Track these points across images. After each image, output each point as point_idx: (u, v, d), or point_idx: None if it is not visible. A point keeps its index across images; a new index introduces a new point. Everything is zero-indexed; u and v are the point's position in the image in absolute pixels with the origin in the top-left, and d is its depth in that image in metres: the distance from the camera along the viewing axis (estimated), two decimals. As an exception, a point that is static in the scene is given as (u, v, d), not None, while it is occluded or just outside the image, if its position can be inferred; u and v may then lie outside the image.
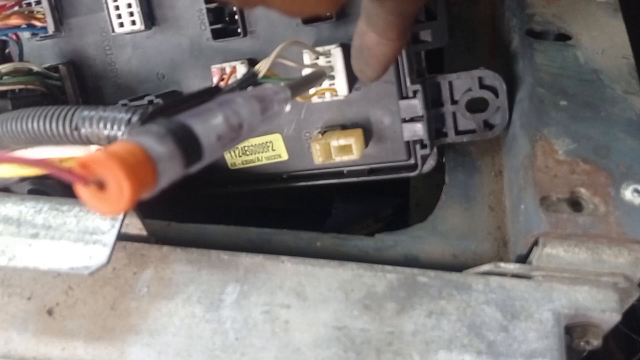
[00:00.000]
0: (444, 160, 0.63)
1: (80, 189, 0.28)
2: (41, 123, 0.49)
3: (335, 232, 0.97)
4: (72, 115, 0.48)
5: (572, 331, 0.51)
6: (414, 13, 0.43)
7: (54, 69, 0.62)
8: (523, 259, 0.52)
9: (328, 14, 0.54)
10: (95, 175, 0.28)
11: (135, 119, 0.49)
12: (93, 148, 0.51)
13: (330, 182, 0.62)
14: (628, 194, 0.49)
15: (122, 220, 0.48)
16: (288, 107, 0.44)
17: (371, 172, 0.61)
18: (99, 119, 0.48)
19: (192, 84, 0.60)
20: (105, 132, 0.48)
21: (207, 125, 0.35)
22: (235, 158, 0.63)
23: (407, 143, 0.58)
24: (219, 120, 0.36)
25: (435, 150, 0.60)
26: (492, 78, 0.57)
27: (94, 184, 0.28)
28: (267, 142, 0.61)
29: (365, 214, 0.98)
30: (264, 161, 0.62)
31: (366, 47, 0.46)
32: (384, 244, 0.55)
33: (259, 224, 0.95)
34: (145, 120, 0.34)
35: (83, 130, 0.48)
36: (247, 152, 0.62)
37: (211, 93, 0.41)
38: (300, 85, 0.49)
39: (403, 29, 0.43)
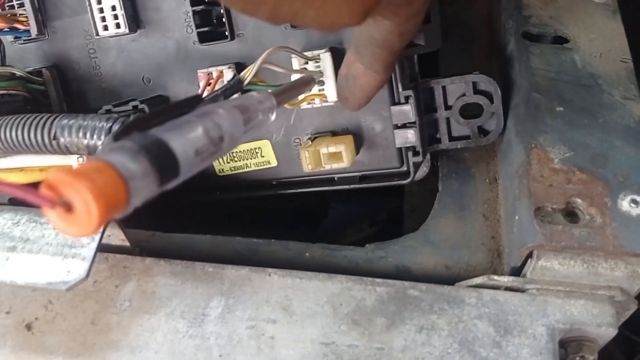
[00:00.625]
0: (438, 164, 0.62)
1: (48, 211, 0.27)
2: (19, 132, 0.47)
3: (331, 233, 0.96)
4: (51, 124, 0.47)
5: (567, 346, 0.49)
6: (401, 49, 0.45)
7: (37, 73, 0.60)
8: (517, 271, 0.50)
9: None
10: (62, 197, 0.26)
11: (116, 127, 0.48)
12: (73, 157, 0.50)
13: (320, 190, 0.60)
14: (625, 204, 0.48)
15: (103, 233, 0.47)
16: (273, 116, 0.42)
17: (362, 179, 0.59)
18: (79, 128, 0.46)
19: (179, 89, 0.59)
20: (85, 142, 0.46)
21: (185, 139, 0.33)
22: (223, 164, 0.61)
23: (400, 150, 0.57)
24: (198, 133, 0.34)
25: (428, 156, 0.58)
26: (486, 83, 0.55)
27: (61, 206, 0.26)
28: (255, 148, 0.60)
29: (362, 215, 0.96)
30: (253, 167, 0.61)
31: (352, 76, 0.47)
32: (375, 254, 0.54)
33: (253, 225, 0.94)
34: (118, 135, 0.32)
35: (62, 140, 0.46)
36: (236, 159, 0.61)
37: (192, 103, 0.40)
38: (287, 93, 0.47)
39: (389, 62, 0.46)
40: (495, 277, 0.49)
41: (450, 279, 0.52)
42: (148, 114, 0.35)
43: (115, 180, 0.28)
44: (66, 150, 0.47)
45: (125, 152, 0.29)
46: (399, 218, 0.87)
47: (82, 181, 0.26)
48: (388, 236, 0.82)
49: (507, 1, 0.64)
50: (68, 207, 0.26)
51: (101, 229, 0.46)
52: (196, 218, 0.86)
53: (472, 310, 0.48)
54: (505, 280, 0.49)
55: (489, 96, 0.55)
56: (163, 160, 0.31)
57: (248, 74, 0.47)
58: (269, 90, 0.45)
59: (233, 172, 0.61)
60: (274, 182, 0.61)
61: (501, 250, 0.53)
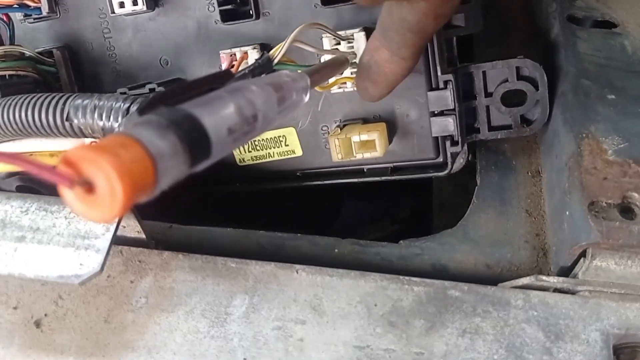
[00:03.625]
0: (471, 159, 0.58)
1: (65, 191, 0.23)
2: (29, 113, 0.44)
3: (345, 233, 0.92)
4: (64, 104, 0.43)
5: (620, 352, 0.45)
6: (433, 33, 0.42)
7: (48, 53, 0.56)
8: (566, 272, 0.46)
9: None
10: (82, 174, 0.23)
11: (134, 108, 0.44)
12: (87, 141, 0.46)
13: (349, 182, 0.56)
14: (688, 200, 0.44)
15: (118, 223, 0.43)
16: (307, 97, 0.39)
17: (394, 170, 0.55)
18: (94, 109, 0.42)
19: (199, 71, 0.55)
20: (100, 124, 0.42)
21: (217, 116, 0.29)
22: (244, 153, 0.57)
23: (436, 139, 0.53)
24: (231, 110, 0.31)
25: (465, 147, 0.54)
26: (531, 68, 0.51)
27: (81, 186, 0.23)
28: (279, 137, 0.56)
29: (378, 214, 0.93)
30: (276, 157, 0.57)
31: (376, 64, 0.44)
32: (410, 251, 0.50)
33: (263, 220, 0.90)
34: (144, 109, 0.28)
35: (75, 121, 0.43)
36: (258, 147, 0.57)
37: (222, 79, 0.36)
38: (320, 73, 0.43)
39: (418, 48, 0.42)
40: (544, 278, 0.45)
41: (492, 279, 0.48)
42: (175, 87, 0.31)
43: (142, 158, 0.24)
44: (80, 133, 0.43)
45: (152, 127, 0.25)
46: (423, 218, 0.83)
47: (106, 157, 0.23)
48: (410, 235, 0.79)
49: (549, -17, 0.60)
50: (89, 187, 0.23)
51: (118, 218, 0.42)
52: (205, 212, 0.83)
53: (519, 313, 0.44)
54: (555, 281, 0.45)
55: (533, 82, 0.51)
56: (194, 138, 0.27)
57: (278, 51, 0.43)
58: (302, 70, 0.41)
59: (255, 161, 0.57)
60: (298, 174, 0.57)
61: (547, 248, 0.49)
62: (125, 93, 0.51)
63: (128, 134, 0.25)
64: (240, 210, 0.74)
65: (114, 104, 0.42)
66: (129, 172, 0.23)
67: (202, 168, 0.28)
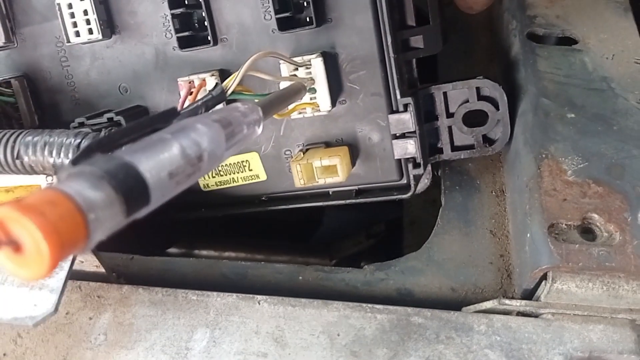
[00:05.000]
0: (439, 174, 0.58)
1: (-6, 251, 0.22)
2: (-21, 150, 0.43)
3: (327, 243, 0.92)
4: (14, 142, 0.42)
5: (585, 374, 0.45)
6: None
7: (6, 83, 0.55)
8: (530, 294, 0.46)
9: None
10: (8, 235, 0.22)
11: (85, 144, 0.44)
12: (41, 177, 0.45)
13: (314, 205, 0.56)
14: (647, 220, 0.44)
15: (72, 262, 0.42)
16: (260, 130, 0.38)
17: (359, 193, 0.55)
18: (44, 146, 0.42)
19: (158, 98, 0.54)
20: (51, 160, 0.42)
21: (157, 160, 0.29)
22: (208, 179, 0.57)
23: (399, 161, 0.52)
24: (173, 152, 0.30)
25: (429, 167, 0.54)
26: (491, 88, 0.51)
27: (8, 246, 0.22)
28: (243, 161, 0.55)
29: (359, 226, 0.92)
30: (241, 182, 0.56)
31: None
32: (375, 277, 0.50)
33: (244, 234, 0.90)
34: (78, 158, 0.28)
35: (26, 159, 0.42)
36: (222, 173, 0.56)
37: (167, 118, 0.35)
38: (276, 103, 0.43)
39: None
40: (507, 301, 0.45)
41: (456, 303, 0.48)
42: (115, 132, 0.31)
43: (71, 213, 0.23)
44: (31, 170, 0.42)
45: (85, 179, 0.25)
46: (397, 229, 0.83)
47: (31, 216, 0.22)
48: (386, 249, 0.78)
49: (510, 1, 0.60)
50: (16, 247, 0.22)
51: (70, 259, 0.42)
52: (183, 231, 0.82)
53: (482, 338, 0.43)
54: (518, 304, 0.45)
55: (494, 102, 0.51)
56: (130, 187, 0.26)
57: (231, 82, 0.42)
58: (256, 100, 0.40)
59: (219, 187, 0.57)
60: (263, 198, 0.57)
61: (511, 270, 0.49)
62: (83, 123, 0.50)
63: (57, 188, 0.24)
64: (223, 222, 0.74)
65: (64, 140, 0.41)
66: (55, 231, 0.22)
67: (143, 215, 0.28)
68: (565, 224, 0.44)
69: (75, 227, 0.24)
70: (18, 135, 0.42)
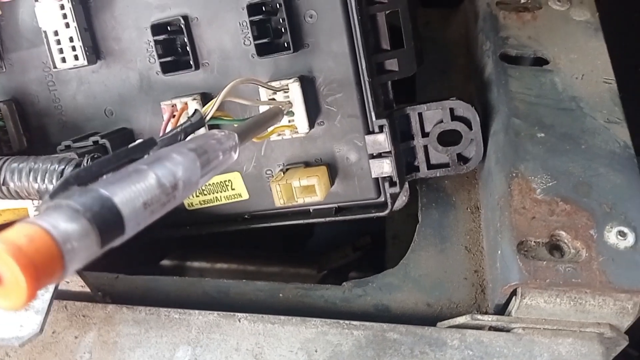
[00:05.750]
0: (417, 187, 0.59)
1: (-26, 283, 0.24)
2: (-34, 177, 0.44)
3: (316, 253, 0.93)
4: (0, 168, 0.44)
5: (556, 386, 0.46)
6: None
7: (-6, 107, 0.57)
8: (502, 309, 0.48)
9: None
10: (-13, 267, 0.24)
11: (69, 169, 0.45)
12: (28, 201, 0.47)
13: (295, 223, 0.57)
14: (612, 236, 0.45)
15: (57, 283, 0.44)
16: (236, 155, 0.40)
17: (338, 211, 0.56)
18: (29, 172, 0.43)
19: (143, 121, 0.56)
20: (36, 186, 0.43)
21: (131, 191, 0.30)
22: (192, 198, 0.58)
23: (376, 180, 0.54)
24: (149, 182, 0.32)
25: (407, 185, 0.56)
26: (464, 109, 0.53)
27: (-13, 278, 0.24)
28: (225, 181, 0.57)
29: (348, 234, 0.94)
30: (224, 201, 0.58)
31: None
32: (353, 293, 0.51)
33: (237, 244, 0.91)
34: (55, 192, 0.29)
35: (12, 185, 0.43)
36: (205, 192, 0.58)
37: (144, 148, 0.37)
38: (253, 128, 0.44)
39: None
40: (479, 317, 0.46)
41: (432, 318, 0.49)
42: (93, 164, 0.32)
43: (47, 246, 0.25)
44: (17, 195, 0.44)
45: (61, 212, 0.26)
46: (382, 242, 0.84)
47: (9, 250, 0.24)
48: (373, 261, 0.79)
49: (484, 21, 0.62)
50: (-4, 279, 0.24)
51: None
52: (176, 243, 0.83)
53: (455, 353, 0.45)
54: (489, 319, 0.46)
55: (467, 122, 0.53)
56: (105, 218, 0.28)
57: (210, 108, 0.44)
58: (235, 125, 0.42)
59: (203, 205, 0.58)
60: (246, 216, 0.59)
61: (485, 285, 0.51)
62: (69, 146, 0.52)
63: (33, 222, 0.25)
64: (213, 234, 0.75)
65: (48, 166, 0.43)
66: (31, 263, 0.24)
67: (118, 244, 0.29)
68: (534, 242, 0.46)
69: (51, 259, 0.25)
70: (4, 162, 0.44)
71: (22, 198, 0.44)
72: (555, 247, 0.46)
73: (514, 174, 0.49)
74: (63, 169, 0.43)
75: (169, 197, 0.33)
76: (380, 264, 0.75)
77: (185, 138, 0.41)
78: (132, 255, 0.58)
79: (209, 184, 0.57)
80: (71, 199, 0.28)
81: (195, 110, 0.50)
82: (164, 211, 0.33)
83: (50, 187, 0.43)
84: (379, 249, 0.90)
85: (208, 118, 0.44)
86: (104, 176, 0.33)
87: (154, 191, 0.32)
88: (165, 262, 0.86)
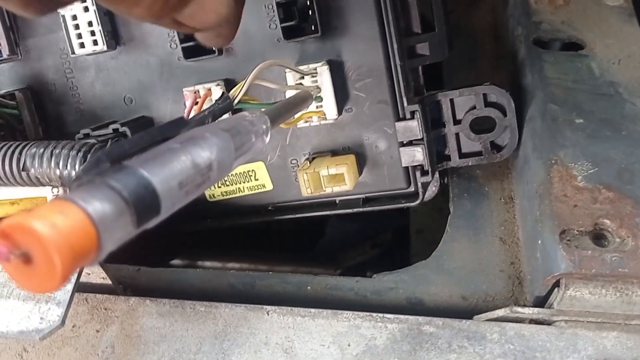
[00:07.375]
0: (446, 182, 0.57)
1: (3, 264, 0.22)
2: (-16, 163, 0.42)
3: (330, 253, 0.91)
4: (20, 153, 0.42)
5: (599, 382, 0.44)
6: None
7: (10, 96, 0.55)
8: (542, 301, 0.46)
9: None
10: (18, 246, 0.22)
11: (96, 154, 0.43)
12: (47, 188, 0.45)
13: (321, 214, 0.55)
14: (659, 225, 0.43)
15: (79, 274, 0.42)
16: (268, 139, 0.38)
17: (366, 201, 0.54)
18: (50, 157, 0.41)
19: (164, 109, 0.54)
20: (57, 172, 0.41)
21: (167, 170, 0.28)
22: (214, 189, 0.56)
23: (406, 169, 0.52)
24: (183, 162, 0.30)
25: (437, 175, 0.54)
26: (498, 95, 0.50)
27: (17, 258, 0.22)
28: (249, 171, 0.55)
29: (363, 235, 0.92)
30: (246, 192, 0.56)
31: None
32: (384, 285, 0.49)
33: (248, 244, 0.89)
34: (88, 169, 0.27)
35: (32, 171, 0.42)
36: (227, 183, 0.56)
37: (176, 127, 0.35)
38: (283, 112, 0.42)
39: None
40: (519, 309, 0.44)
41: (467, 311, 0.47)
42: (124, 142, 0.30)
43: (82, 224, 0.23)
44: (37, 182, 0.42)
45: (95, 189, 0.24)
46: (402, 238, 0.82)
47: (41, 227, 0.22)
48: (392, 259, 0.77)
49: (514, 7, 0.60)
50: (26, 259, 0.22)
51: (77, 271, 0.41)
52: (188, 242, 0.82)
53: (495, 347, 0.43)
54: (530, 312, 0.44)
55: (501, 109, 0.51)
56: (141, 197, 0.26)
57: (238, 92, 0.42)
58: (263, 110, 0.40)
59: (225, 197, 0.56)
60: (270, 207, 0.57)
61: (522, 277, 0.49)
62: (88, 134, 0.50)
63: (68, 198, 0.24)
64: (226, 233, 0.73)
65: (70, 151, 0.41)
66: (66, 242, 0.22)
67: (152, 225, 0.27)
68: (577, 230, 0.44)
69: (87, 239, 0.23)
70: (24, 147, 0.42)
71: (42, 184, 0.42)
72: (599, 236, 0.44)
73: (553, 161, 0.47)
74: (85, 154, 0.41)
75: (204, 178, 0.31)
76: (400, 261, 0.72)
77: (213, 121, 0.40)
78: (142, 256, 0.56)
79: (232, 174, 0.55)
80: (105, 175, 0.26)
81: (223, 92, 0.49)
82: (198, 192, 0.31)
83: (73, 173, 0.41)
84: (397, 246, 0.88)
85: (237, 101, 0.42)
86: (135, 155, 0.31)
87: (188, 171, 0.30)
88: (176, 262, 0.85)
